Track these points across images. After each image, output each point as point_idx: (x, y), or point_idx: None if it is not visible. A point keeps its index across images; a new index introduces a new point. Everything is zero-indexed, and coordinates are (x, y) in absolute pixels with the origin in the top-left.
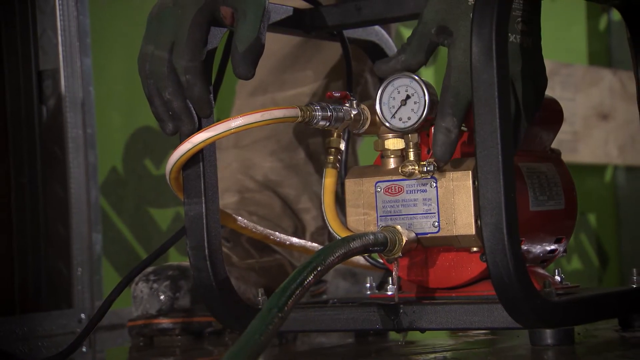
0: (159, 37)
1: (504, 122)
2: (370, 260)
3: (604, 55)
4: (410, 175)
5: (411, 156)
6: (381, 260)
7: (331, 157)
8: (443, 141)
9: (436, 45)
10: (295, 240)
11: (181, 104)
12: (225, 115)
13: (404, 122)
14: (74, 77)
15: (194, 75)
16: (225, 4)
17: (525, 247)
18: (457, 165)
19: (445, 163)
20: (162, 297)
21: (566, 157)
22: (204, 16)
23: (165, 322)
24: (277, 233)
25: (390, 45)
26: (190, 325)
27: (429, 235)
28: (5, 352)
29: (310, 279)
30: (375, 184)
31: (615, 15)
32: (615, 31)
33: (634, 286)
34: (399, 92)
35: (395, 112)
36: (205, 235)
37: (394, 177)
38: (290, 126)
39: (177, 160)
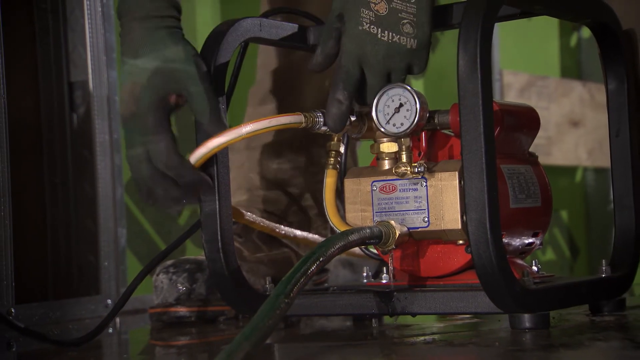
0: (133, 146)
1: (487, 128)
2: (367, 251)
3: (575, 68)
4: (403, 176)
5: (404, 158)
6: (377, 252)
7: (332, 159)
8: (334, 113)
9: (339, 31)
10: (299, 232)
11: (179, 190)
12: (237, 121)
13: (397, 128)
14: (101, 88)
15: (176, 169)
16: (171, 91)
17: (506, 240)
18: (445, 167)
19: (338, 133)
20: (180, 287)
21: (541, 160)
22: (160, 112)
23: (182, 310)
24: (282, 226)
25: None
26: (205, 314)
27: (419, 229)
28: (39, 333)
29: (313, 268)
30: (372, 184)
31: (585, 33)
32: (584, 47)
33: (603, 275)
34: (393, 101)
35: (390, 119)
36: (218, 230)
37: (389, 177)
38: (296, 130)
39: (194, 163)
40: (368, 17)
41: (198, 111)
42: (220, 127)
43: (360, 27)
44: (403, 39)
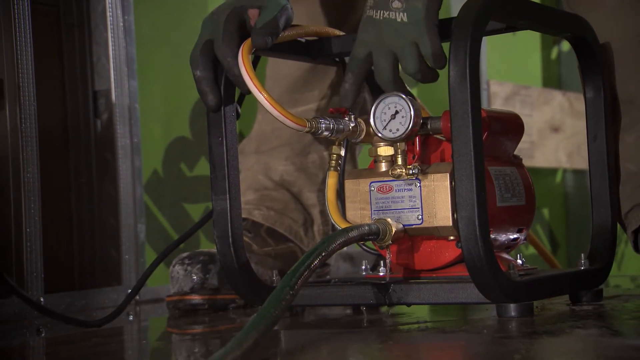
0: (201, 36)
1: (476, 133)
2: (365, 247)
3: (555, 79)
4: (398, 177)
5: (399, 161)
6: (375, 247)
7: (333, 162)
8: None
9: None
10: None
11: (208, 83)
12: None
13: (393, 133)
14: (122, 96)
15: (232, 57)
16: (251, 6)
17: (493, 236)
18: (437, 169)
19: (347, 106)
20: (194, 277)
21: (525, 162)
22: (234, 16)
23: (196, 298)
24: None
25: None
26: (217, 301)
27: (414, 226)
28: (68, 317)
29: (316, 262)
30: (370, 184)
31: (565, 46)
32: (564, 59)
33: (582, 268)
34: (389, 108)
35: (386, 125)
36: (229, 227)
37: (385, 179)
38: (301, 136)
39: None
40: (368, 4)
41: (260, 20)
42: (266, 40)
43: (364, 15)
44: (392, 14)
